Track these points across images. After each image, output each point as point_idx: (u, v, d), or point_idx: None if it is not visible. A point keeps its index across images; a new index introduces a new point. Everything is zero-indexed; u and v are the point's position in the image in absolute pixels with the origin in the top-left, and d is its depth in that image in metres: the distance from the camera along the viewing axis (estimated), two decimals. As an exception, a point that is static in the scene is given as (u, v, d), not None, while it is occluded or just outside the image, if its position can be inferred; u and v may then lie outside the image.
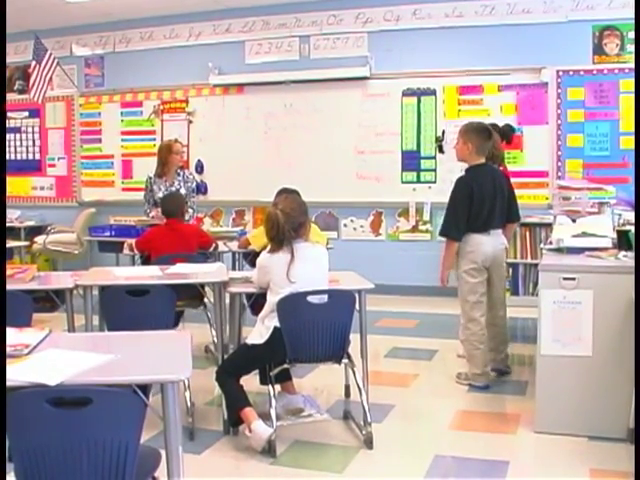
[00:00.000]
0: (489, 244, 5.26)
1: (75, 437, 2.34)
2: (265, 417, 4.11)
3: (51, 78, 9.55)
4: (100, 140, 10.45)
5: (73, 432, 2.33)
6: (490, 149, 5.41)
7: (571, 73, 8.12)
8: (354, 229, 9.13)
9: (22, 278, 4.66)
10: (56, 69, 9.53)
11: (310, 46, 9.16)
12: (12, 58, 10.85)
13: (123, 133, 10.27)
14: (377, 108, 8.85)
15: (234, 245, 6.67)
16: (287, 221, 4.16)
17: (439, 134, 8.61)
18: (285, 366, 4.28)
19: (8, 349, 2.72)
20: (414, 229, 8.85)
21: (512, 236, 6.22)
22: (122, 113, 10.26)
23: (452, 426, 4.59)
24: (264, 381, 4.45)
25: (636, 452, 3.11)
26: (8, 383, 2.40)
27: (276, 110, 9.31)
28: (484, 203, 5.21)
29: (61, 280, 4.80)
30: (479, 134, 5.31)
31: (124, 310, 4.47)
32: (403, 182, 8.81)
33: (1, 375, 2.45)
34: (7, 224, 10.04)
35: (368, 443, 4.18)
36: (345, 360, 4.32)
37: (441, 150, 8.58)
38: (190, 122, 9.80)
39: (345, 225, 9.17)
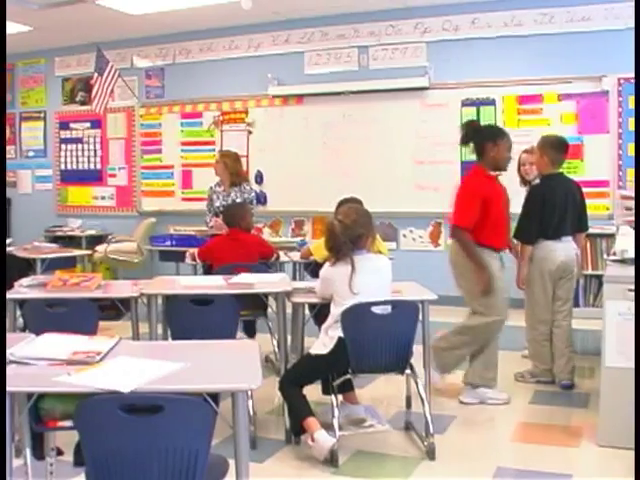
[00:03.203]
0: (561, 250, 5.50)
1: (146, 444, 2.37)
2: (327, 427, 4.13)
3: (112, 89, 9.70)
4: (160, 150, 10.58)
5: (144, 439, 2.37)
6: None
7: (632, 81, 8.01)
8: (413, 240, 9.11)
9: (88, 286, 4.73)
10: (117, 81, 9.68)
11: (369, 56, 9.18)
12: (75, 70, 11.10)
13: (183, 143, 10.39)
14: (436, 118, 8.82)
15: (294, 255, 6.69)
16: (344, 232, 4.18)
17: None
18: (348, 376, 4.29)
19: (81, 356, 2.78)
20: (473, 240, 8.79)
21: (582, 246, 6.22)
22: (182, 124, 10.39)
23: (514, 438, 4.56)
24: (327, 391, 4.47)
25: (636, 452, 3.07)
26: (82, 389, 2.45)
27: (335, 120, 9.34)
28: (554, 211, 5.46)
29: (126, 289, 4.86)
30: (556, 148, 5.62)
31: (188, 319, 4.53)
32: (462, 192, 8.76)
33: (1, 375, 2.50)
34: (69, 233, 10.28)
35: (430, 454, 4.16)
36: (408, 371, 4.32)
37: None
38: (249, 133, 9.88)
39: (404, 236, 9.15)
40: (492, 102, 8.61)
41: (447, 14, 8.69)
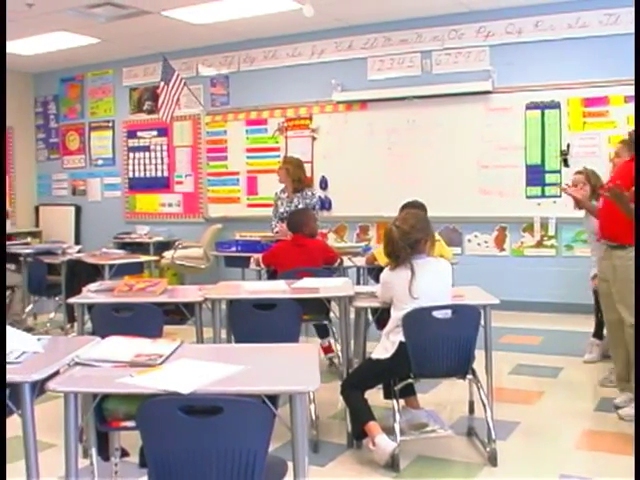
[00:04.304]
0: None
1: (205, 444, 2.42)
2: (389, 431, 4.13)
3: (178, 98, 9.82)
4: (226, 157, 10.70)
5: (204, 439, 2.42)
6: None
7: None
8: (478, 244, 9.05)
9: (153, 291, 4.81)
10: (183, 89, 9.80)
11: (432, 61, 9.15)
12: (142, 80, 11.29)
13: (248, 150, 10.49)
14: (500, 122, 8.76)
15: (358, 260, 6.70)
16: (402, 237, 4.20)
17: (564, 147, 8.46)
18: (409, 381, 4.29)
19: (143, 358, 2.84)
20: (539, 244, 8.70)
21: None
22: (247, 131, 10.49)
23: (578, 446, 4.48)
24: (388, 395, 4.48)
25: (636, 452, 3.01)
26: (143, 390, 2.51)
27: (399, 126, 9.34)
28: None
29: (190, 293, 4.92)
30: None
31: (251, 323, 4.58)
32: (527, 197, 8.69)
33: (1, 375, 2.55)
34: (137, 240, 10.44)
35: (492, 460, 4.13)
36: (470, 376, 4.30)
37: (566, 164, 8.41)
38: (314, 139, 9.93)
39: (469, 240, 9.09)
40: (557, 105, 8.49)
41: (510, 17, 8.61)
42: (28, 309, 8.07)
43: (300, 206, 7.12)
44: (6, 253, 6.96)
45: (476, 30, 8.85)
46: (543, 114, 8.59)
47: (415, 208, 5.24)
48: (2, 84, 6.42)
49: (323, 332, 6.21)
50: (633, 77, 7.86)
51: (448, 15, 8.87)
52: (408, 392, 4.58)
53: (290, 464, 2.66)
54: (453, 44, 9.01)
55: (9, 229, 11.16)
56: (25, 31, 9.31)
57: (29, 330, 6.16)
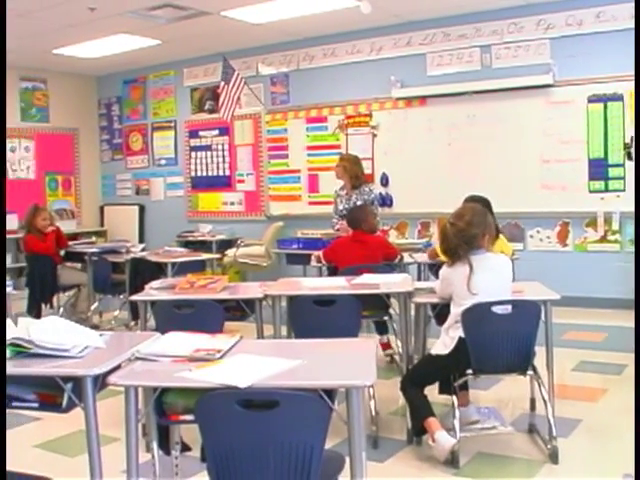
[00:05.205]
0: None
1: (263, 438, 2.44)
2: (448, 428, 4.12)
3: (239, 97, 9.89)
4: (287, 155, 10.76)
5: (261, 433, 2.44)
6: None
7: None
8: (540, 240, 8.95)
9: (214, 288, 4.87)
10: (243, 88, 9.88)
11: (491, 55, 9.06)
12: (202, 80, 11.43)
13: (309, 148, 10.53)
14: (561, 116, 8.62)
15: (419, 256, 6.68)
16: (457, 234, 4.16)
17: (627, 140, 8.31)
18: (469, 377, 4.26)
19: (202, 353, 2.88)
20: (603, 239, 8.56)
21: None
22: (307, 128, 10.54)
23: (643, 444, 4.42)
24: (443, 391, 4.46)
25: (636, 452, 2.97)
26: (201, 384, 2.55)
27: (459, 121, 9.27)
28: None
29: (251, 290, 4.97)
30: None
31: (311, 319, 4.61)
32: (590, 191, 8.54)
33: (1, 374, 2.59)
34: (200, 238, 10.56)
35: (553, 458, 4.09)
36: (530, 372, 4.26)
37: (630, 157, 8.27)
38: (374, 135, 9.92)
39: (531, 236, 8.99)
40: (620, 97, 8.32)
41: (570, 9, 8.45)
42: (93, 307, 8.24)
43: (358, 202, 7.13)
44: (6, 250, 7.08)
45: (536, 23, 8.74)
46: (605, 107, 8.44)
47: (475, 202, 5.16)
48: (2, 84, 6.56)
49: (382, 328, 6.21)
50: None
51: (507, 9, 8.77)
52: (460, 388, 4.55)
53: (348, 459, 2.67)
54: (512, 38, 8.90)
55: (74, 229, 11.40)
56: (88, 35, 9.49)
57: (94, 328, 6.25)
